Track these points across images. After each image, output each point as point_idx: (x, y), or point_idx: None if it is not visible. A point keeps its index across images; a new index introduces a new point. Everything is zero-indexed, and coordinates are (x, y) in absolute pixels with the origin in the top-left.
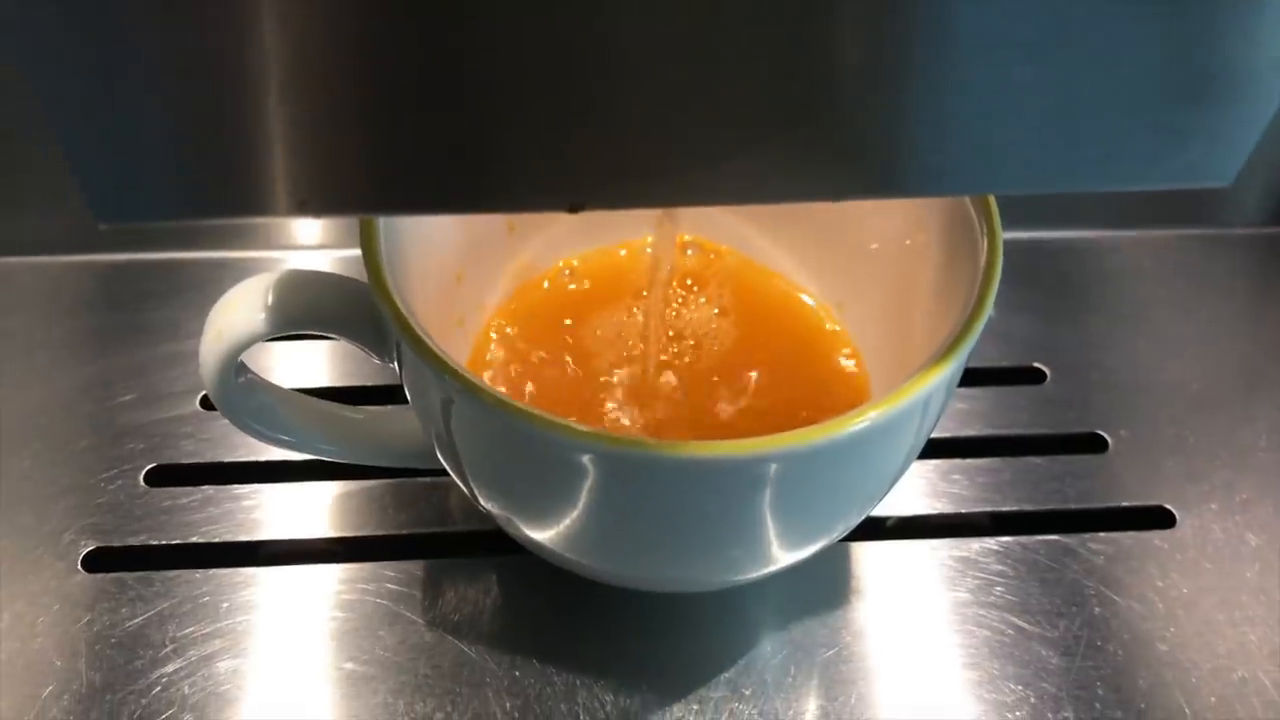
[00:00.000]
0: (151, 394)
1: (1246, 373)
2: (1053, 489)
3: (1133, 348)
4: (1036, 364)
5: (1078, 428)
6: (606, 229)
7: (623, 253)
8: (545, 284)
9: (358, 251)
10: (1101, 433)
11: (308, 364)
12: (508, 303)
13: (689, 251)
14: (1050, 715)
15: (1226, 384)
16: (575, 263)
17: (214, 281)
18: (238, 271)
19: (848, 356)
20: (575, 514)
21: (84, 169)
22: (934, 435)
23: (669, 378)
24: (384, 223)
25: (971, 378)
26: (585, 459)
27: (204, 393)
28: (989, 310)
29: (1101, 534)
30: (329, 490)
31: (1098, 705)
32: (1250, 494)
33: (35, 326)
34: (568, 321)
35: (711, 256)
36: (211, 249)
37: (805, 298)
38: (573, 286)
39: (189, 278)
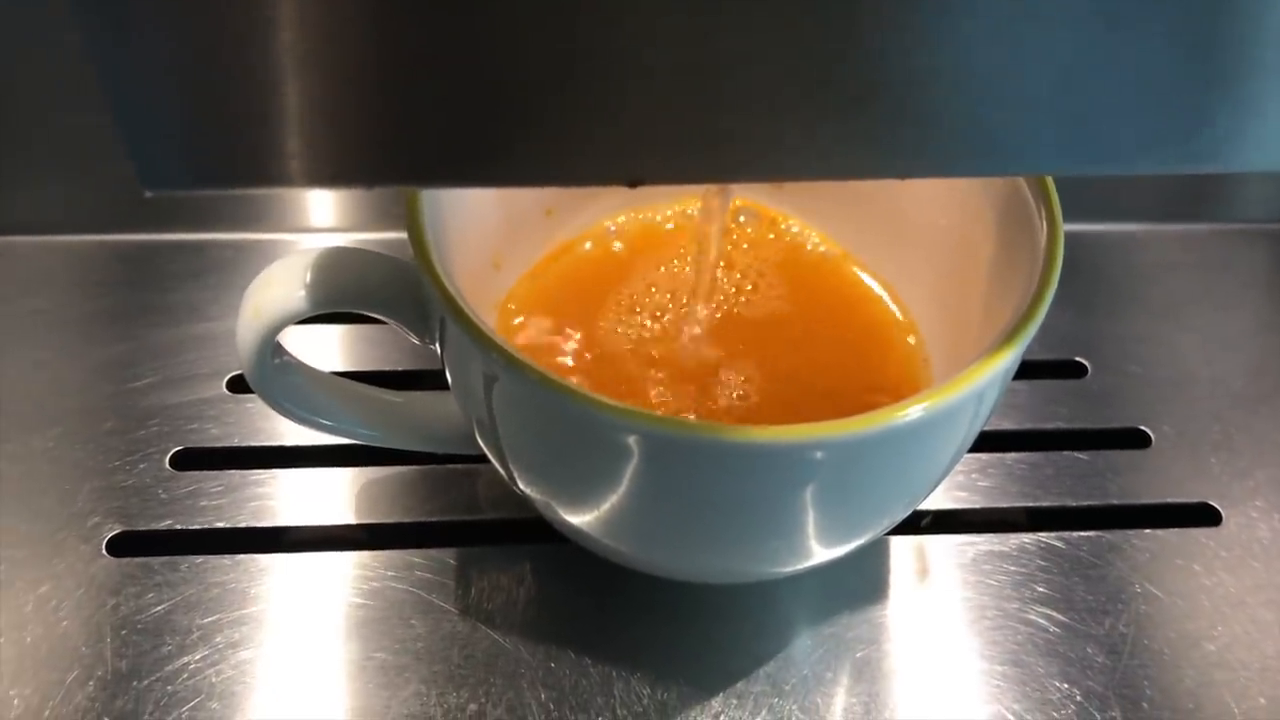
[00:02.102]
0: (177, 376)
1: None
2: (1095, 484)
3: (1175, 342)
4: (1077, 358)
5: (1120, 423)
6: (650, 209)
7: (664, 216)
8: (587, 244)
9: (381, 234)
10: (1144, 428)
11: (329, 349)
12: (539, 267)
13: (740, 218)
14: (1098, 715)
15: (1270, 380)
16: (618, 222)
17: (240, 263)
18: (265, 253)
19: (905, 340)
20: (616, 497)
21: (132, 138)
22: None
23: (716, 355)
24: (427, 203)
25: None
26: (630, 439)
27: (230, 375)
28: (1049, 301)
29: (1146, 530)
30: (358, 476)
31: (1145, 705)
32: None
33: (59, 306)
34: (606, 291)
35: (767, 223)
36: (238, 230)
37: (860, 272)
38: (616, 247)
39: (215, 259)
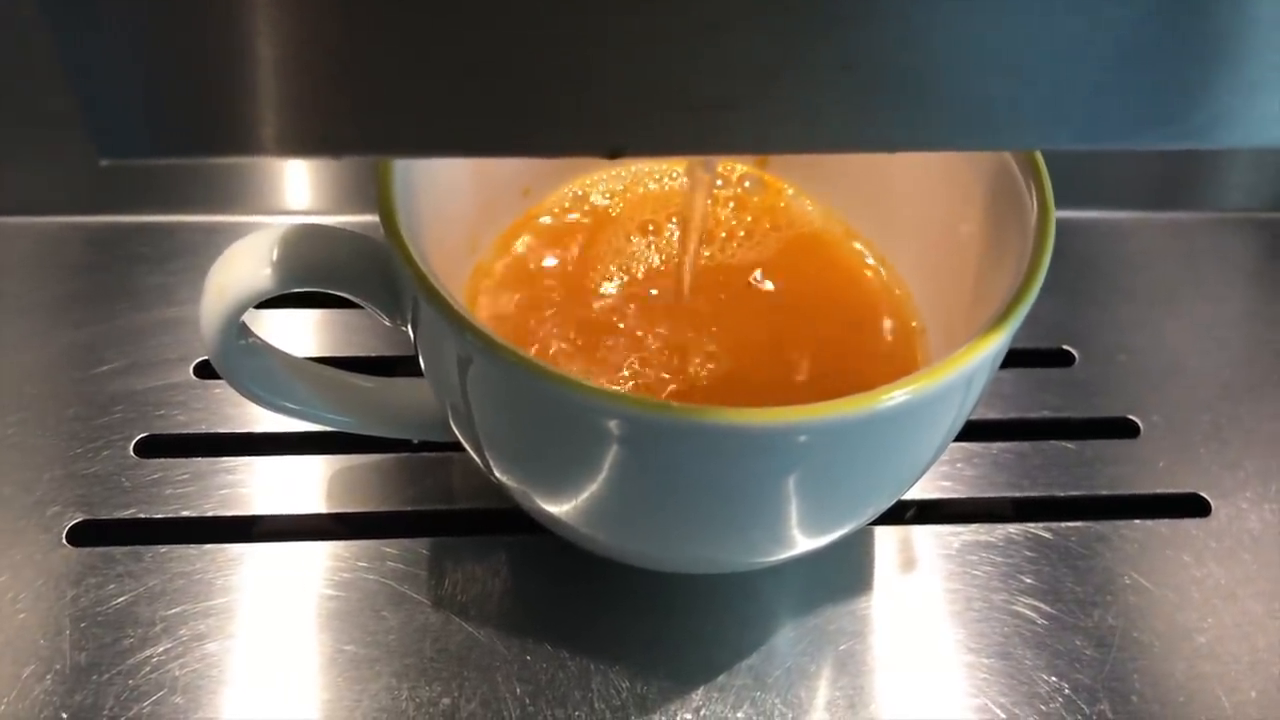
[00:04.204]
0: (143, 361)
1: (1278, 359)
2: (1083, 474)
3: (1163, 332)
4: (1065, 346)
5: (1108, 412)
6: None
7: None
8: (547, 218)
9: (357, 217)
10: (1133, 418)
11: (300, 334)
12: (510, 232)
13: (746, 183)
14: (1086, 708)
15: (1259, 370)
16: (589, 186)
17: (209, 245)
18: (236, 236)
19: (901, 317)
20: (595, 483)
21: (88, 101)
22: None
23: (703, 329)
24: (399, 182)
25: None
26: (610, 422)
27: (198, 361)
28: (1039, 284)
29: (1135, 521)
30: (329, 464)
31: (1134, 699)
32: None
33: (23, 289)
34: (585, 259)
35: (772, 193)
36: (209, 213)
37: (857, 246)
38: (585, 220)
39: (185, 242)
